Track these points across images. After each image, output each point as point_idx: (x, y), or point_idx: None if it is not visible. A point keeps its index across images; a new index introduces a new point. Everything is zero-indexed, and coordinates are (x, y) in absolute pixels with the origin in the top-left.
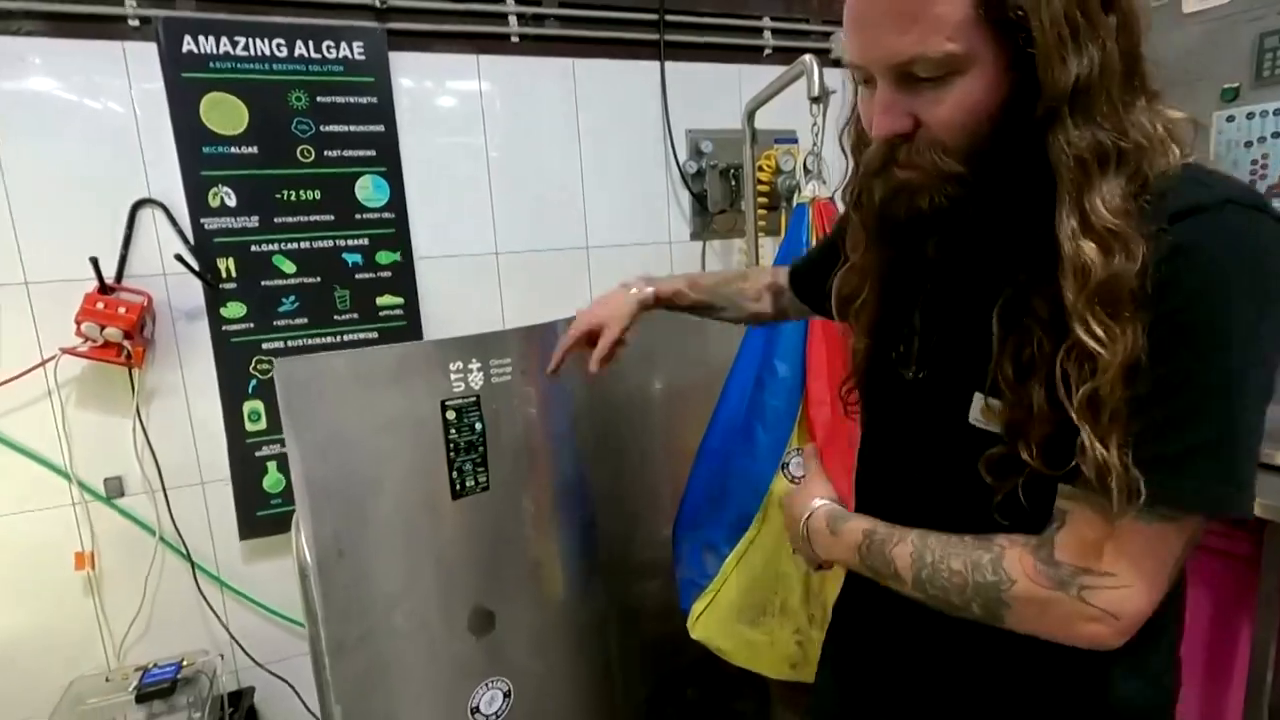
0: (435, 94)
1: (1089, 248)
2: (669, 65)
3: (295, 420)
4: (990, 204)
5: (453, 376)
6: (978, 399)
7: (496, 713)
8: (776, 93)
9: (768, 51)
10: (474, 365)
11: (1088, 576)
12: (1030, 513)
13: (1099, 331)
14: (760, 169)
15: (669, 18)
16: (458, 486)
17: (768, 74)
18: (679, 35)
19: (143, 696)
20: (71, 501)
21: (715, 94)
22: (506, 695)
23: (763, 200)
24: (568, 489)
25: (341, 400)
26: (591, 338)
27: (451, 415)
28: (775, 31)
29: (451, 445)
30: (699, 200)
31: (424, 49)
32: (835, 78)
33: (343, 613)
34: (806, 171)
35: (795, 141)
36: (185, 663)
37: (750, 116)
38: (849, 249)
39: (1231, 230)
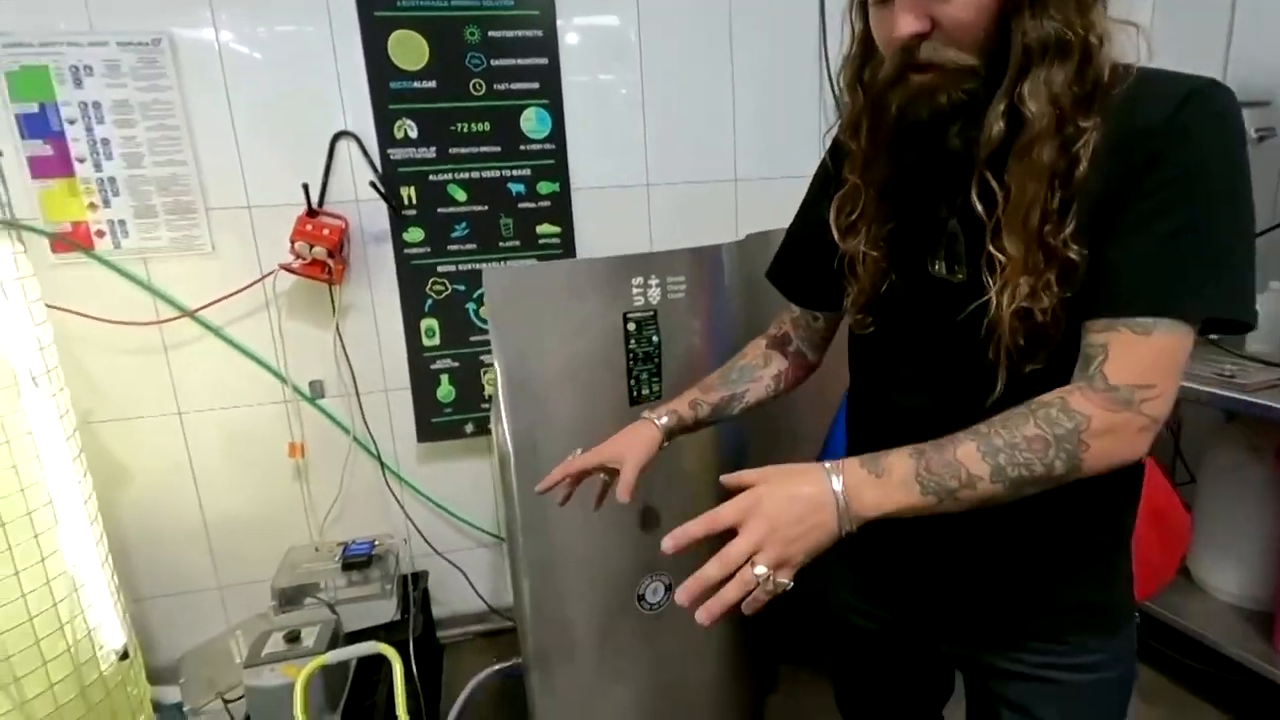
0: (596, 27)
1: (998, 125)
2: None
3: (499, 325)
4: (999, 91)
5: (634, 291)
6: (1005, 286)
7: (659, 603)
8: None
9: None
10: (653, 281)
11: (1141, 391)
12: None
13: (999, 183)
14: None
15: None
16: (635, 393)
17: None
18: None
19: (346, 566)
20: (284, 399)
21: None
22: (668, 588)
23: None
24: None
25: (539, 308)
26: (606, 470)
27: (632, 327)
28: None
29: (631, 355)
30: None
31: None
32: None
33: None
34: None
35: None
36: (377, 543)
37: None
38: (848, 173)
39: (1232, 101)
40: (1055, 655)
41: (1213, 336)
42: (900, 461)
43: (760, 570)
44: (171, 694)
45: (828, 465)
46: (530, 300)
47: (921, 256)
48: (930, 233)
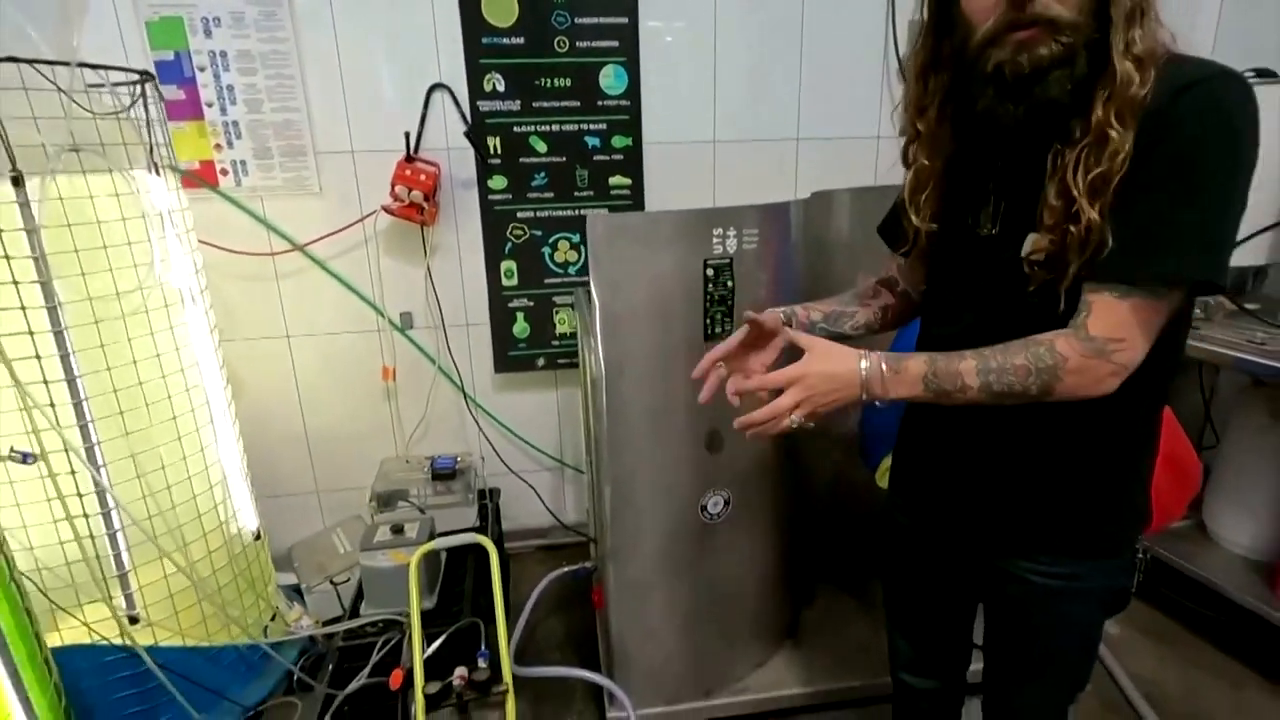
0: None
1: (1128, 66)
2: None
3: (599, 264)
4: (1085, 50)
5: (714, 240)
6: (1030, 236)
7: (719, 514)
8: None
9: None
10: (730, 232)
11: (1113, 343)
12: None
13: (1115, 126)
14: None
15: None
16: (709, 331)
17: None
18: None
19: (435, 476)
20: (378, 329)
21: None
22: (727, 502)
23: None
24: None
25: (633, 252)
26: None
27: (711, 272)
28: None
29: (708, 297)
30: None
31: None
32: None
33: (618, 416)
34: None
35: None
36: (459, 459)
37: None
38: (917, 154)
39: (1233, 89)
40: (1059, 565)
41: (1249, 305)
42: (915, 364)
43: (795, 418)
44: (284, 578)
45: (862, 353)
46: (626, 245)
47: (964, 214)
48: (976, 195)
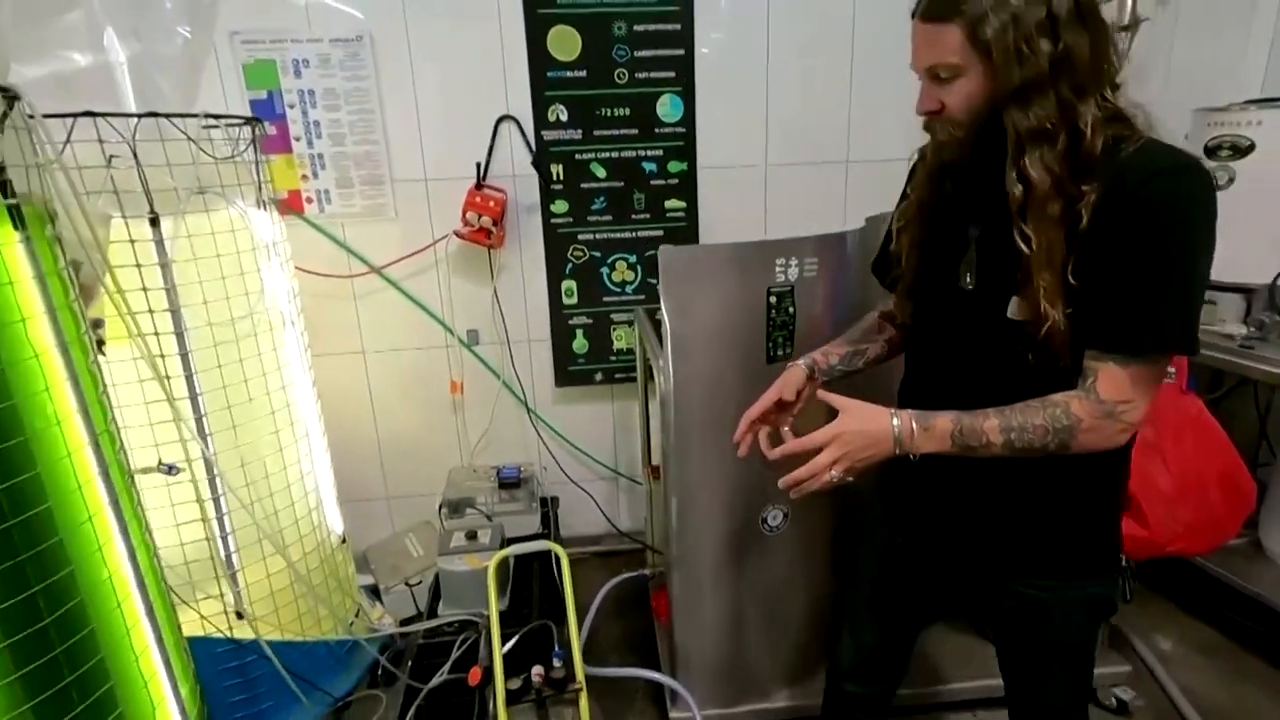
0: (727, 21)
1: (1017, 188)
2: None
3: (669, 291)
4: (989, 156)
5: (777, 269)
6: (1014, 300)
7: (778, 526)
8: None
9: None
10: (792, 262)
11: (1121, 405)
12: (1047, 380)
13: (1025, 236)
14: None
15: None
16: (771, 354)
17: None
18: None
19: (502, 485)
20: (445, 345)
21: None
22: (785, 516)
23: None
24: None
25: (701, 281)
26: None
27: (774, 299)
28: None
29: (771, 322)
30: None
31: None
32: (1148, 4)
33: (685, 432)
34: None
35: None
36: (523, 468)
37: None
38: (910, 189)
39: (1198, 183)
40: (1048, 580)
41: None
42: (943, 422)
43: (834, 474)
44: (363, 579)
45: (893, 412)
46: (695, 274)
47: (949, 266)
48: (953, 247)
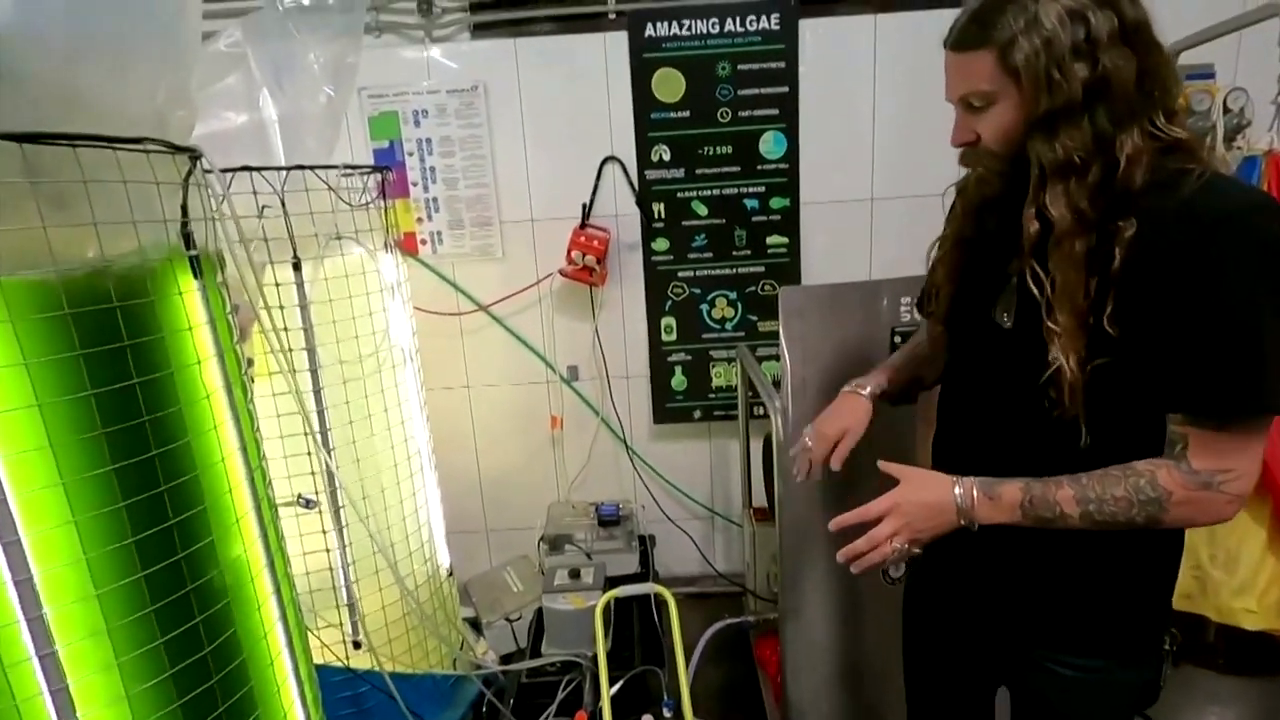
0: (832, 56)
1: (1034, 225)
2: None
3: (788, 328)
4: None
5: (902, 309)
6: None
7: (901, 578)
8: (1223, 34)
9: None
10: None
11: (1221, 475)
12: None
13: (1047, 271)
14: None
15: None
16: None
17: (1187, 3)
18: None
19: (601, 523)
20: (546, 380)
21: None
22: (909, 567)
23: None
24: None
25: (820, 318)
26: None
27: (899, 340)
28: None
29: None
30: None
31: (828, 14)
32: None
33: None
34: (1226, 111)
35: (1212, 77)
36: (621, 505)
37: (1174, 57)
38: (946, 224)
39: (1260, 234)
40: (1084, 659)
41: None
42: (1011, 492)
43: (896, 545)
44: (464, 610)
45: (954, 480)
46: (815, 313)
47: (984, 302)
48: (993, 283)
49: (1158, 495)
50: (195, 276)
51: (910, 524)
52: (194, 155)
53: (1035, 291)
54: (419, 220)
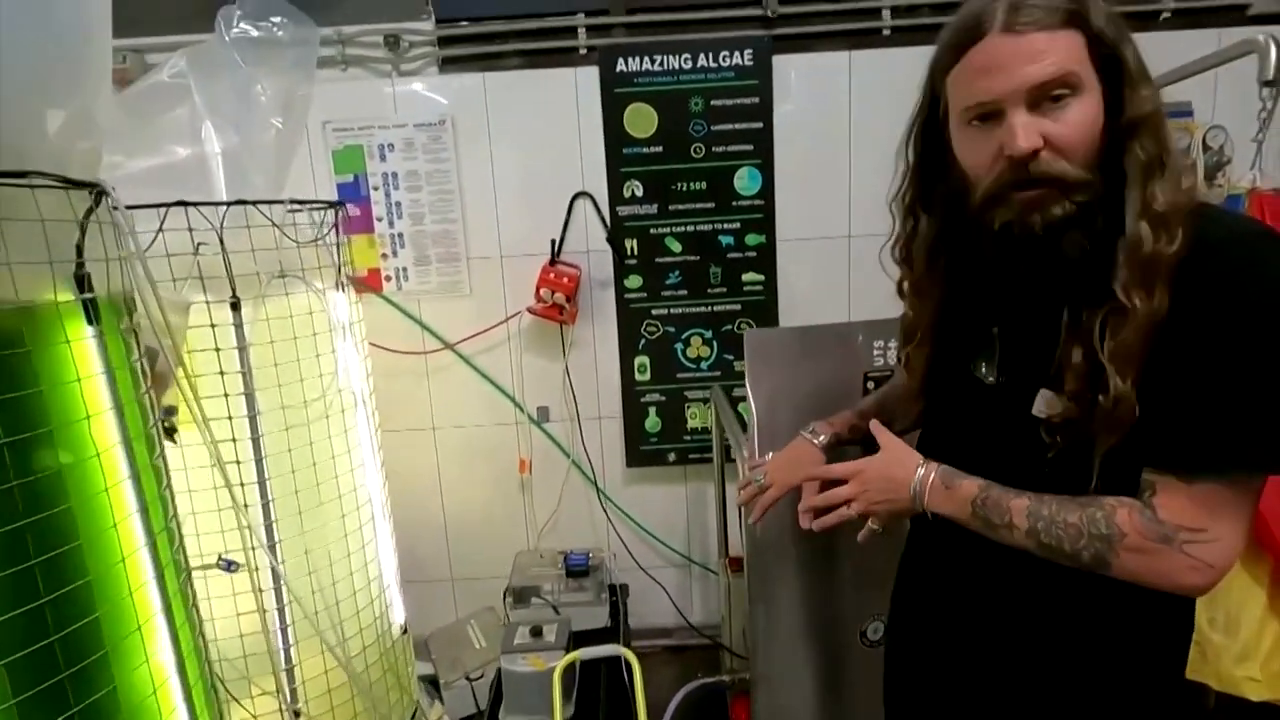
0: (807, 92)
1: (1143, 228)
2: None
3: (754, 373)
4: (1101, 208)
5: (875, 353)
6: (1043, 394)
7: (880, 640)
8: (1200, 71)
9: (1166, 15)
10: (892, 344)
11: (1186, 533)
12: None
13: (1135, 293)
14: None
15: None
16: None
17: (1163, 41)
18: None
19: (570, 574)
20: (515, 421)
21: None
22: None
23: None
24: None
25: (789, 362)
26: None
27: (871, 385)
28: None
29: None
30: None
31: (803, 50)
32: None
33: (770, 531)
34: (1206, 149)
35: (1190, 115)
36: (591, 554)
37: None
38: (914, 293)
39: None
40: None
41: None
42: (968, 487)
43: (849, 513)
44: (423, 667)
45: (920, 462)
46: (784, 357)
47: (965, 360)
48: (976, 340)
49: (1110, 533)
50: (90, 323)
51: (868, 493)
52: (97, 191)
53: (1130, 303)
54: (384, 256)
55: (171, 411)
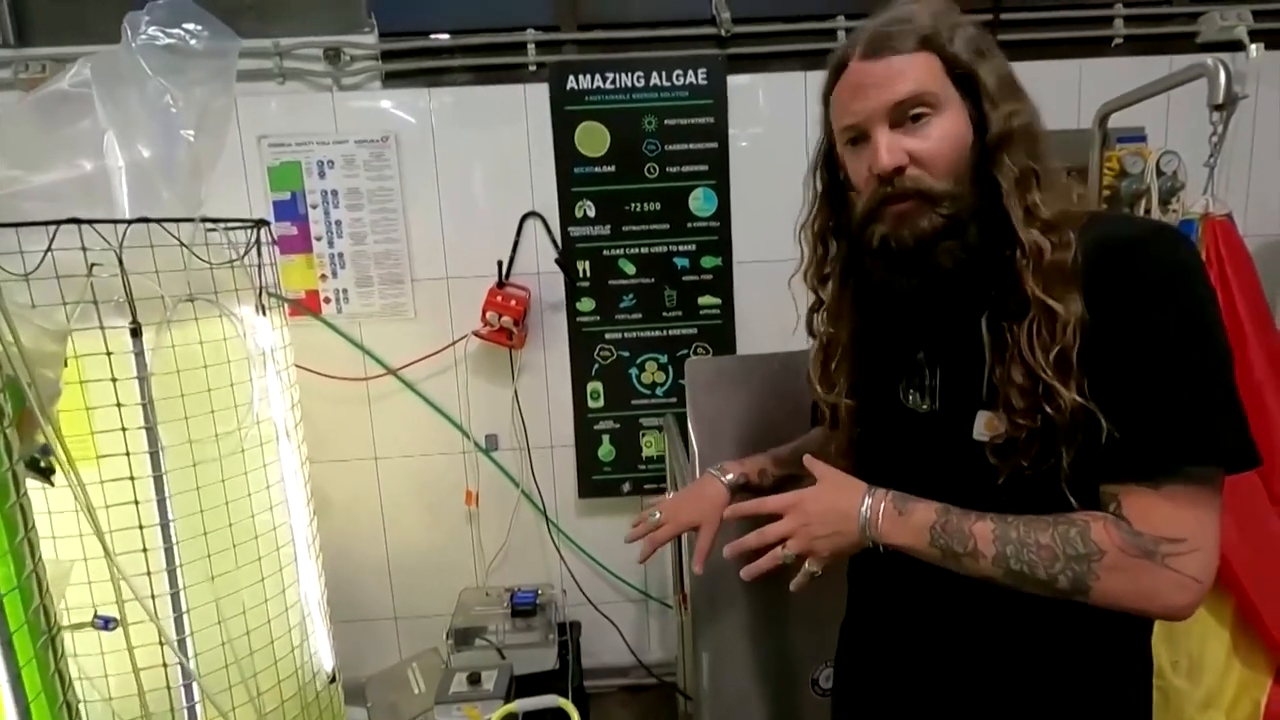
0: (763, 112)
1: (1037, 235)
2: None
3: (695, 404)
4: (974, 220)
5: None
6: (980, 415)
7: (830, 689)
8: (1152, 95)
9: (1117, 41)
10: None
11: (1169, 545)
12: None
13: (1052, 299)
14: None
15: (1005, 16)
16: None
17: (1115, 67)
18: (1015, 33)
19: (515, 613)
20: (463, 450)
21: (1051, 91)
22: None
23: (1103, 208)
24: None
25: (733, 393)
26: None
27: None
28: (1130, 19)
29: None
30: None
31: (758, 70)
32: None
33: (714, 573)
34: (1160, 174)
35: (1143, 140)
36: (540, 591)
37: (1104, 119)
38: (827, 324)
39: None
40: None
41: None
42: (924, 512)
43: (786, 553)
44: (356, 714)
45: (867, 489)
46: (728, 387)
47: (892, 389)
48: (900, 367)
49: (1088, 551)
50: None
51: (808, 527)
52: None
53: (1057, 307)
54: (323, 277)
55: (46, 451)
